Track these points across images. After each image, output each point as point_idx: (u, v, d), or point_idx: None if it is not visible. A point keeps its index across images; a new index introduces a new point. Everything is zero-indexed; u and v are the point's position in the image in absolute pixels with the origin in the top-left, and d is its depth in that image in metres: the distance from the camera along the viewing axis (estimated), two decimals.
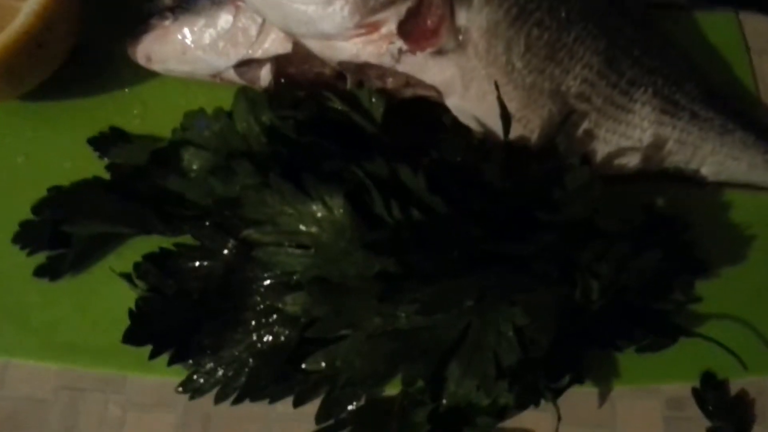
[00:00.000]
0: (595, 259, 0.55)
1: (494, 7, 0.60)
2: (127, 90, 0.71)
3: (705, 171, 0.68)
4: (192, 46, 0.65)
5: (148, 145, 0.66)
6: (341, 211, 0.55)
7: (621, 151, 0.66)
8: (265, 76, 0.66)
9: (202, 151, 0.59)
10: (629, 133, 0.66)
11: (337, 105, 0.63)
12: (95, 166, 0.66)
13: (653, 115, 0.65)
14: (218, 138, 0.59)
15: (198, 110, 0.62)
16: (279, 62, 0.66)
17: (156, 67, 0.67)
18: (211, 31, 0.65)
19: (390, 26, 0.58)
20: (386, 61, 0.59)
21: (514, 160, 0.61)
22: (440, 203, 0.56)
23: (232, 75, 0.67)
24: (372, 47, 0.59)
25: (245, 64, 0.66)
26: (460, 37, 0.59)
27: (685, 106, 0.66)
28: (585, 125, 0.64)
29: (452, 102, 0.62)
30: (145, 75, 0.70)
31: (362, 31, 0.58)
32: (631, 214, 0.62)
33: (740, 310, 0.64)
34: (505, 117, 0.56)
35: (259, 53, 0.65)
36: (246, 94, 0.59)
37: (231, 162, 0.57)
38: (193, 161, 0.59)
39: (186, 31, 0.65)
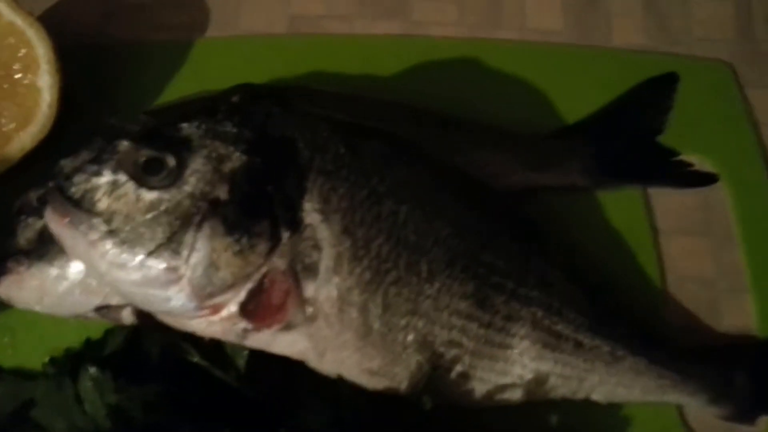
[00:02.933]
0: None
1: (344, 275, 0.57)
2: None
3: (595, 398, 0.65)
4: (48, 293, 0.63)
5: (18, 385, 0.65)
6: None
7: (500, 389, 0.63)
8: (127, 316, 0.64)
9: None
10: (508, 369, 0.63)
11: (196, 359, 0.60)
12: None
13: (533, 350, 0.62)
14: (65, 419, 0.57)
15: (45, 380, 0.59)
16: None
17: (19, 306, 0.65)
18: (65, 280, 0.62)
19: (231, 308, 0.56)
20: (232, 339, 0.57)
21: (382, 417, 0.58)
22: None
23: (94, 315, 0.64)
24: (215, 327, 0.57)
25: (104, 308, 0.63)
26: (309, 309, 0.57)
27: (569, 336, 0.63)
28: (458, 369, 0.62)
29: (311, 365, 0.59)
30: None
31: (203, 312, 0.56)
32: None
33: None
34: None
35: (115, 300, 0.62)
36: (90, 373, 0.57)
37: None
38: None
39: (40, 279, 0.63)
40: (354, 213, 0.57)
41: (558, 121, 0.75)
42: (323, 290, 0.56)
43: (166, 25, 0.79)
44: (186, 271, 0.54)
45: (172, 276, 0.54)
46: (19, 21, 0.66)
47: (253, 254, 0.55)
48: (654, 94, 0.75)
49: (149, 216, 0.54)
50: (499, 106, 0.75)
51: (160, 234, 0.54)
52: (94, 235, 0.54)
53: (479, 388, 0.63)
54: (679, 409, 0.68)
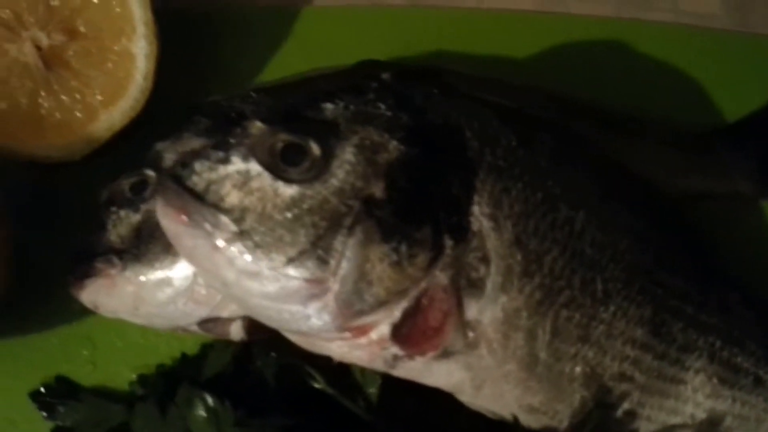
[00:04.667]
0: None
1: (513, 294, 0.48)
2: (74, 324, 0.59)
3: None
4: (144, 301, 0.52)
5: (101, 407, 0.57)
6: None
7: (669, 430, 0.53)
8: (236, 331, 0.53)
9: None
10: (679, 408, 0.54)
11: (320, 385, 0.50)
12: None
13: (709, 385, 0.54)
14: None
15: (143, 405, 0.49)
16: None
17: (106, 314, 0.55)
18: (167, 287, 0.51)
19: (382, 330, 0.46)
20: (378, 366, 0.47)
21: None
22: None
23: (196, 329, 0.54)
24: (360, 352, 0.47)
25: (211, 321, 0.53)
26: (470, 334, 0.47)
27: (749, 371, 0.55)
28: (625, 406, 0.53)
29: (463, 399, 0.49)
30: None
31: (347, 335, 0.46)
32: None
33: None
34: None
35: (225, 312, 0.52)
36: (204, 401, 0.47)
37: None
38: None
39: (137, 284, 0.52)
40: (528, 220, 0.48)
41: (713, 117, 0.66)
42: (488, 311, 0.47)
43: None
44: (333, 284, 0.44)
45: (316, 289, 0.44)
46: None
47: (411, 266, 0.45)
48: None
49: (289, 215, 0.44)
50: (646, 97, 0.65)
51: (303, 238, 0.44)
52: (221, 237, 0.44)
53: (645, 428, 0.54)
54: None
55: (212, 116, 0.56)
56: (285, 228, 0.44)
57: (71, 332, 0.60)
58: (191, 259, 0.47)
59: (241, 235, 0.44)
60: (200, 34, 0.66)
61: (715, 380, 0.54)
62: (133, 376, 0.58)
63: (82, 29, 0.57)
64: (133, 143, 0.59)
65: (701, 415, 0.54)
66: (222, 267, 0.45)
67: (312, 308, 0.45)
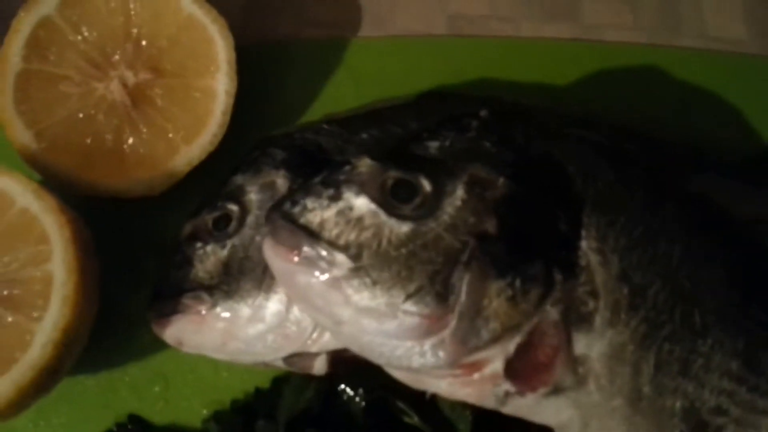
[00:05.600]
0: None
1: (620, 328, 0.48)
2: (145, 360, 0.59)
3: None
4: (234, 337, 0.51)
5: None
6: None
7: None
8: (319, 365, 0.53)
9: None
10: None
11: (412, 421, 0.50)
12: None
13: None
14: None
15: None
16: (338, 351, 0.52)
17: (188, 351, 0.54)
18: (259, 323, 0.51)
19: (495, 366, 0.46)
20: (488, 403, 0.47)
21: None
22: None
23: (279, 363, 0.53)
24: (471, 389, 0.47)
25: (296, 355, 0.52)
26: (580, 370, 0.46)
27: None
28: None
29: None
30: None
31: (459, 372, 0.45)
32: None
33: None
34: None
35: (315, 348, 0.51)
36: None
37: None
38: None
39: (227, 321, 0.52)
40: (631, 253, 0.48)
41: (748, 141, 0.67)
42: (596, 346, 0.47)
43: (314, 22, 0.70)
44: (451, 320, 0.44)
45: (434, 325, 0.44)
46: (201, 14, 0.54)
47: (525, 301, 0.45)
48: None
49: (404, 251, 0.44)
50: (681, 121, 0.66)
51: (420, 274, 0.44)
52: (337, 274, 0.43)
53: None
54: None
55: (286, 148, 0.56)
56: (402, 264, 0.44)
57: (143, 368, 0.59)
58: (303, 298, 0.46)
59: (358, 271, 0.44)
60: (249, 68, 0.65)
61: None
62: (206, 413, 0.56)
63: (168, 67, 0.56)
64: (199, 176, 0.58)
65: None
66: (337, 305, 0.44)
67: (428, 344, 0.45)
